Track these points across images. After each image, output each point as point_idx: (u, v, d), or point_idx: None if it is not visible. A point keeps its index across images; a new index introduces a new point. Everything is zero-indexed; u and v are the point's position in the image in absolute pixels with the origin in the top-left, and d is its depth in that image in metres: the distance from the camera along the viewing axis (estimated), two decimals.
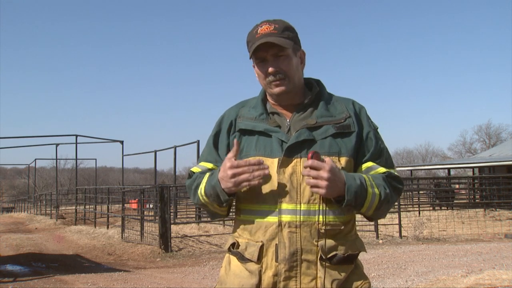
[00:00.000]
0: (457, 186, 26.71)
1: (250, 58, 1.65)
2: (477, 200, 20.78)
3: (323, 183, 1.43)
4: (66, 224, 17.27)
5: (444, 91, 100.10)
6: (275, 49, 1.58)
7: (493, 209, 17.81)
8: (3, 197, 51.98)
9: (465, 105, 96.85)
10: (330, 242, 1.52)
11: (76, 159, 22.40)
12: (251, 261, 1.55)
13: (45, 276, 7.36)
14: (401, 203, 14.84)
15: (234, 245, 1.62)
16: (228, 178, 1.49)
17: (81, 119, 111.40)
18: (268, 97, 1.71)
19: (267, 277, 1.52)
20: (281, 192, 1.52)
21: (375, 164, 1.62)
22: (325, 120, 1.60)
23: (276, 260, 1.51)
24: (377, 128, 1.70)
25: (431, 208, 19.83)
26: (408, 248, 9.43)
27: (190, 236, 11.72)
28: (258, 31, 1.60)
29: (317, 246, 1.51)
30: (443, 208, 19.88)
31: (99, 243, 11.65)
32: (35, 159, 30.76)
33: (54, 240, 13.06)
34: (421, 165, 34.51)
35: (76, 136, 21.06)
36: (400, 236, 11.12)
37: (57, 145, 22.73)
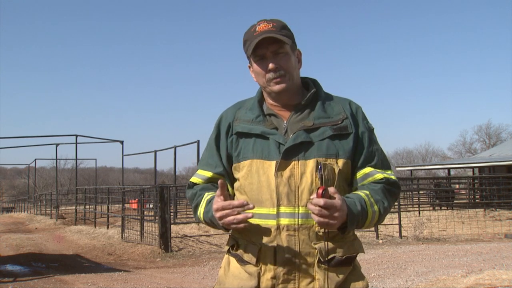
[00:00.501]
0: (457, 186, 26.71)
1: (248, 57, 1.64)
2: (477, 200, 20.79)
3: (334, 222, 1.41)
4: (66, 224, 17.27)
5: (444, 91, 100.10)
6: (275, 46, 1.58)
7: (493, 209, 17.80)
8: (3, 197, 51.96)
9: (465, 105, 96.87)
10: (328, 245, 1.51)
11: (76, 159, 22.44)
12: (250, 263, 1.55)
13: (45, 276, 7.37)
14: (401, 203, 14.85)
15: (234, 246, 1.63)
16: (217, 220, 1.50)
17: (81, 119, 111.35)
18: (266, 97, 1.69)
19: (266, 280, 1.52)
20: (279, 195, 1.52)
21: (372, 169, 1.60)
22: (322, 122, 1.59)
23: (275, 263, 1.51)
24: (373, 129, 1.69)
25: (431, 208, 19.83)
26: (408, 248, 9.43)
27: (190, 236, 11.70)
28: (257, 29, 1.60)
29: (316, 249, 1.51)
30: (443, 208, 19.88)
31: (99, 243, 11.65)
32: (35, 159, 30.81)
33: (54, 240, 13.06)
34: (421, 165, 34.53)
35: (76, 136, 21.08)
36: (400, 236, 11.12)
37: (57, 145, 22.74)
